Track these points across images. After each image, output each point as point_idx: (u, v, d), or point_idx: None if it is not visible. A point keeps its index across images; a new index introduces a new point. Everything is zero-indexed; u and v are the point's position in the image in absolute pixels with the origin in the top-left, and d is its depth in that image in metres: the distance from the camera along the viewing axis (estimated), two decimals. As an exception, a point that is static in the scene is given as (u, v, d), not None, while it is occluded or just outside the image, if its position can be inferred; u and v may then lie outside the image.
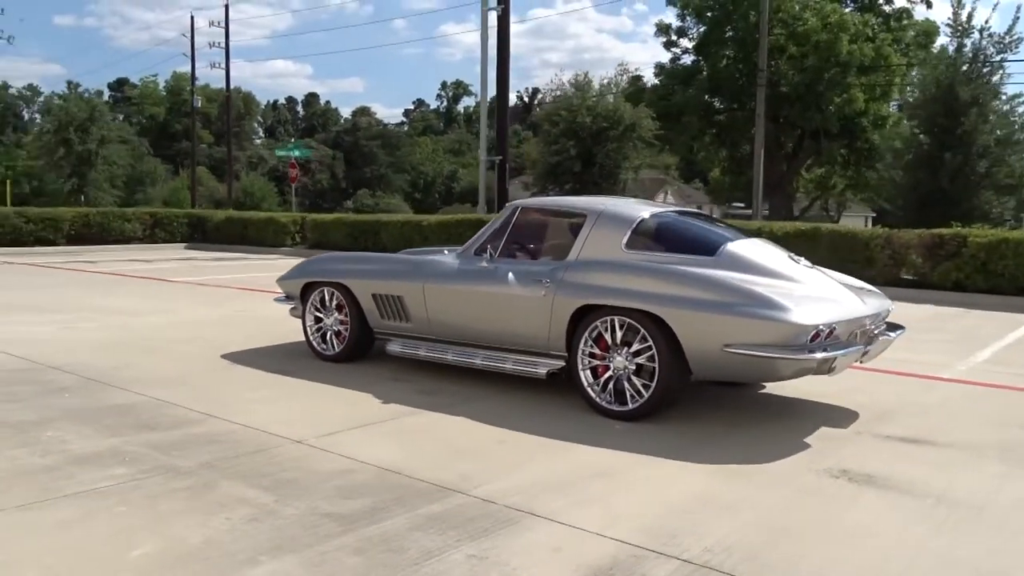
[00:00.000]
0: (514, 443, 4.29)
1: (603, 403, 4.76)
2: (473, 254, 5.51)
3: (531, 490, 3.56)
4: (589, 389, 4.82)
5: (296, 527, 3.11)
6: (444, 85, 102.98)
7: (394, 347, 5.86)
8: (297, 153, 33.52)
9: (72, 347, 6.66)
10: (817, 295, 4.62)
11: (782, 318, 4.24)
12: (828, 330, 4.32)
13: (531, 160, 21.97)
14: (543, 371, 5.03)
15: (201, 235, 21.66)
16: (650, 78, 33.17)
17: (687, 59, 31.74)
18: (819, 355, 4.28)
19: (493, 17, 18.98)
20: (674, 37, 31.73)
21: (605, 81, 19.98)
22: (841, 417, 4.92)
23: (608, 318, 4.72)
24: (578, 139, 18.33)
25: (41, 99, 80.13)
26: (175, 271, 14.50)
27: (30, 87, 79.47)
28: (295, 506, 3.32)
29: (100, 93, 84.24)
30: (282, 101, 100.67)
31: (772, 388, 5.61)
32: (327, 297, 6.22)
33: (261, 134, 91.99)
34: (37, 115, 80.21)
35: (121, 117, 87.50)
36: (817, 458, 4.10)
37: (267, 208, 48.80)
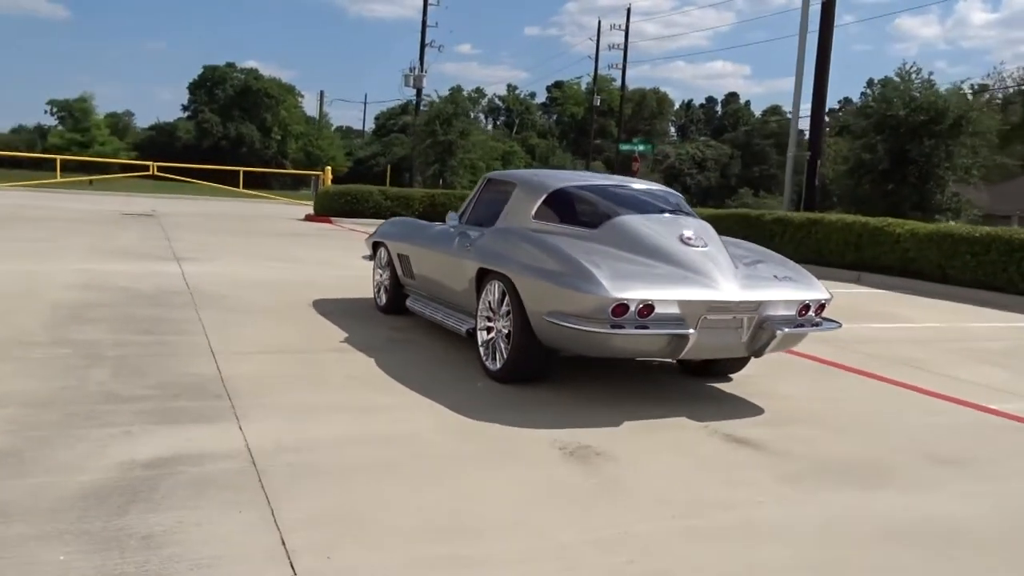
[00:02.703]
0: (357, 382, 4.74)
1: (485, 361, 4.96)
2: (455, 221, 5.96)
3: (278, 407, 4.08)
4: (481, 347, 5.04)
5: (75, 393, 4.07)
6: (870, 82, 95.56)
7: (408, 302, 6.53)
8: (641, 148, 34.41)
9: (234, 282, 8.41)
10: (670, 274, 4.32)
11: (585, 288, 4.11)
12: (640, 306, 4.06)
13: (841, 156, 20.10)
14: (464, 329, 5.34)
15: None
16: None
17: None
18: (630, 331, 4.07)
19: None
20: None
21: None
22: (731, 413, 4.48)
23: (492, 282, 4.91)
24: (894, 133, 16.37)
25: (485, 100, 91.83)
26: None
27: (477, 90, 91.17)
28: (106, 385, 4.28)
29: (533, 95, 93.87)
30: (701, 101, 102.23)
31: (754, 385, 5.19)
32: (382, 255, 7.08)
33: (673, 133, 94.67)
34: (481, 115, 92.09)
35: (554, 117, 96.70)
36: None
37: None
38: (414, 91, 41.75)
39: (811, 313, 4.55)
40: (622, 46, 50.27)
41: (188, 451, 3.38)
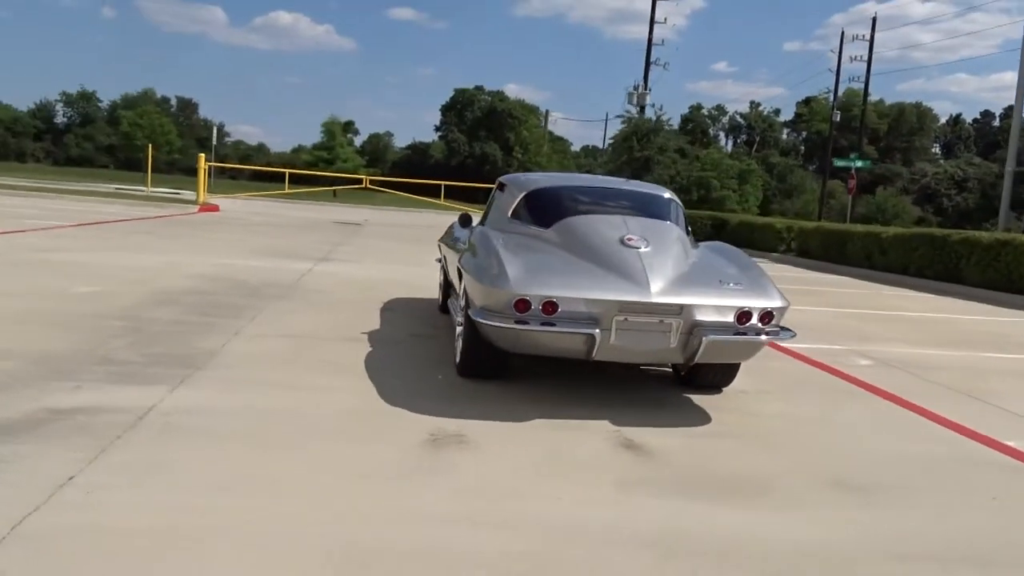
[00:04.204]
0: (331, 367, 5.08)
1: (456, 356, 5.12)
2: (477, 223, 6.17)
3: (226, 379, 4.54)
4: (456, 343, 5.21)
5: (79, 356, 4.78)
6: None
7: (448, 300, 6.81)
8: (858, 164, 31.82)
9: (345, 280, 9.17)
10: (590, 272, 4.26)
11: (495, 284, 4.17)
12: (543, 303, 4.04)
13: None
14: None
15: (726, 236, 22.97)
16: None
17: None
18: (535, 328, 4.08)
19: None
20: None
21: None
22: (666, 422, 4.30)
23: (463, 279, 5.06)
24: None
25: (725, 118, 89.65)
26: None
27: (718, 107, 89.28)
28: (112, 352, 4.97)
29: (778, 111, 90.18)
30: (976, 116, 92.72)
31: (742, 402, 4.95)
32: (441, 257, 7.43)
33: (936, 150, 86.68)
34: (721, 132, 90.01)
35: (803, 134, 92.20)
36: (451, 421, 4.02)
37: (899, 223, 47.05)
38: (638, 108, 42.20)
39: (754, 321, 4.23)
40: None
41: (102, 404, 3.89)
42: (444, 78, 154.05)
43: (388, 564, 2.53)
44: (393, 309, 7.42)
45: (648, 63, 43.46)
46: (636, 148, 26.12)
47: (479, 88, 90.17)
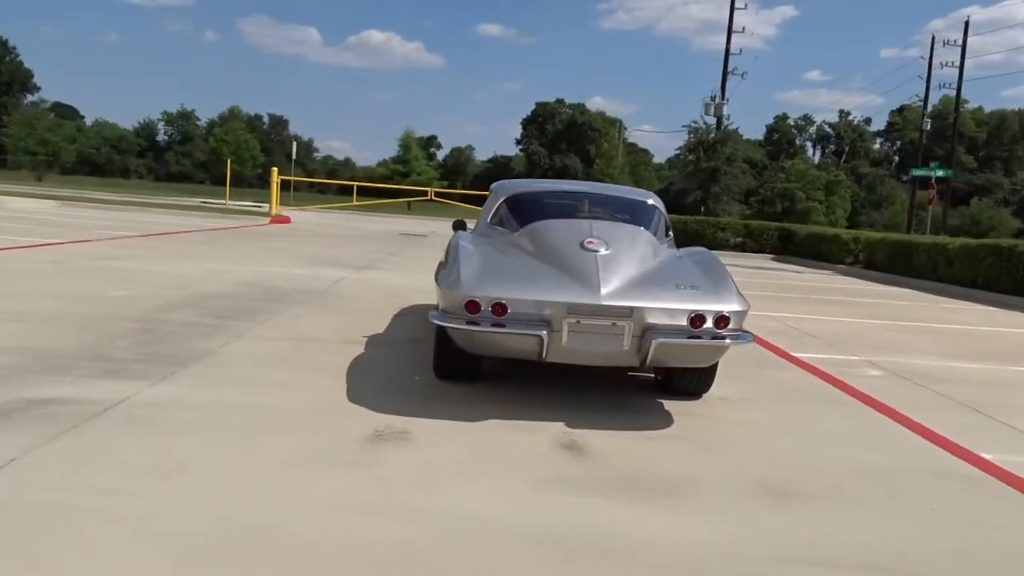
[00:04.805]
0: (319, 366, 5.27)
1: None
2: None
3: (209, 376, 4.75)
4: (437, 343, 5.31)
5: (80, 353, 5.09)
6: None
7: (454, 306, 6.93)
8: (939, 173, 30.42)
9: (378, 287, 9.41)
10: (544, 275, 4.31)
11: (450, 286, 4.26)
12: (492, 304, 4.10)
13: None
14: (448, 328, 5.63)
15: (794, 248, 22.41)
16: None
17: None
18: (486, 329, 4.14)
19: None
20: None
21: None
22: (624, 425, 4.29)
23: (441, 283, 5.17)
24: None
25: (812, 128, 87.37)
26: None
27: (804, 117, 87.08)
28: (113, 350, 5.27)
29: (869, 120, 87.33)
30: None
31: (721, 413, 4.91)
32: (456, 263, 7.56)
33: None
34: (808, 142, 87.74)
35: (897, 143, 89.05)
36: (401, 418, 4.10)
37: (995, 236, 45.04)
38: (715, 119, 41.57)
39: (708, 325, 4.18)
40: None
41: (77, 396, 4.13)
42: (530, 93, 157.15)
43: (266, 545, 2.64)
44: (408, 314, 7.58)
45: (725, 73, 42.79)
46: (703, 159, 25.74)
47: (560, 101, 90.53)
